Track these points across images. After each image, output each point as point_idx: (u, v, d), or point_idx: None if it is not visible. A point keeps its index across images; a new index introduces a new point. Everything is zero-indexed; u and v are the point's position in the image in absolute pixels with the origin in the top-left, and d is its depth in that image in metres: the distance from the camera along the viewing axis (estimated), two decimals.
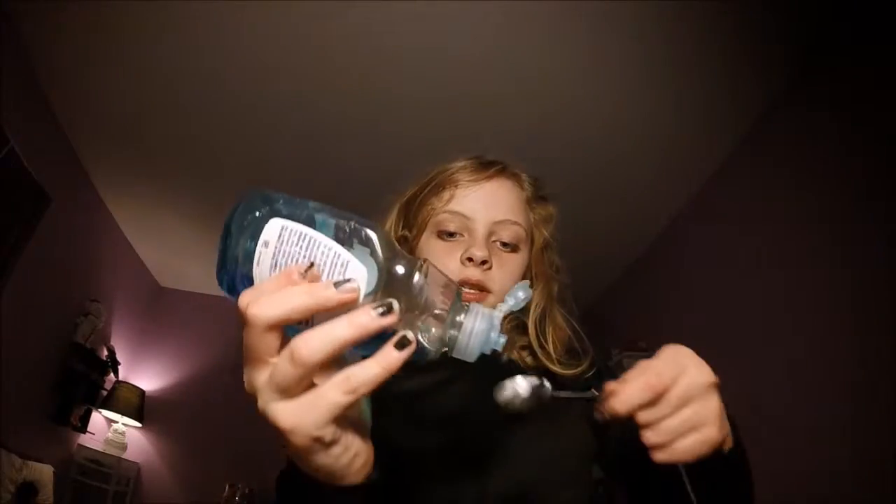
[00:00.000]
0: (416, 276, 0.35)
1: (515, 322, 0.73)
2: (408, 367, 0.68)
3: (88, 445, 3.00)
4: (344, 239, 0.35)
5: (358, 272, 0.34)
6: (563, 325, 0.71)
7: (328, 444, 0.33)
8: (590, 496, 0.61)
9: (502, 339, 0.38)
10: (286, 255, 0.34)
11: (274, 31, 1.88)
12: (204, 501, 3.15)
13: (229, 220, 0.37)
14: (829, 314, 1.54)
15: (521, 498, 0.57)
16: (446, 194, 0.71)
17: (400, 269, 0.35)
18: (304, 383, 0.32)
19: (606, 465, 0.65)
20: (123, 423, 3.21)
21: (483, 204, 0.70)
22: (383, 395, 0.66)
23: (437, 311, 0.35)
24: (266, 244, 0.35)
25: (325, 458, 0.34)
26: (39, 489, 2.31)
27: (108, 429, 3.22)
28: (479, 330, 0.37)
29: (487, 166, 0.73)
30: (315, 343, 0.30)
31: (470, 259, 0.66)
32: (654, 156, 2.23)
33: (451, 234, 0.69)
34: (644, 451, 0.40)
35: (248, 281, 0.36)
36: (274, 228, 0.35)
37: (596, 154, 2.27)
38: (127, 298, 3.41)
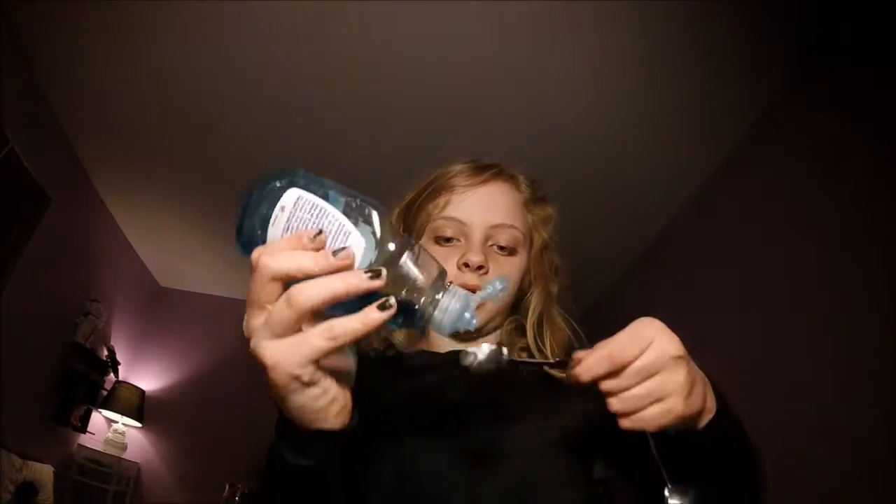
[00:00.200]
0: (406, 254, 0.39)
1: (515, 324, 0.73)
2: (410, 368, 0.69)
3: (88, 445, 3.00)
4: (350, 214, 0.39)
5: (357, 243, 0.38)
6: (563, 326, 0.71)
7: (306, 384, 0.37)
8: (590, 495, 0.61)
9: (475, 321, 0.41)
10: (299, 220, 0.39)
11: (275, 32, 1.88)
12: (204, 501, 3.15)
13: (252, 187, 0.42)
14: (830, 314, 1.54)
15: (520, 497, 0.57)
16: (442, 200, 0.71)
17: (392, 247, 0.39)
18: (294, 327, 0.36)
19: (610, 461, 0.65)
20: (123, 423, 3.21)
21: (479, 209, 0.70)
22: (386, 394, 0.67)
23: (419, 287, 0.40)
24: (283, 209, 0.40)
25: (301, 398, 0.38)
26: (39, 489, 2.31)
27: (108, 429, 3.22)
28: (453, 308, 0.40)
29: (483, 170, 0.73)
30: (310, 291, 0.35)
31: (466, 265, 0.66)
32: (653, 155, 2.23)
33: (449, 240, 0.69)
34: (637, 441, 0.41)
35: (262, 241, 0.41)
36: (291, 196, 0.40)
37: (596, 154, 2.27)
38: (127, 298, 3.41)
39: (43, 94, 2.25)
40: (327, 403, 0.39)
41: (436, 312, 0.40)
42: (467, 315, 0.41)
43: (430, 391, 0.66)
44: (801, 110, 1.80)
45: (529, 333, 0.70)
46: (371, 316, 0.36)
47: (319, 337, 0.35)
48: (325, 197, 0.40)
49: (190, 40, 1.94)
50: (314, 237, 0.37)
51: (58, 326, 2.72)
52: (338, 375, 0.40)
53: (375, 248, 0.39)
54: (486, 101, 2.08)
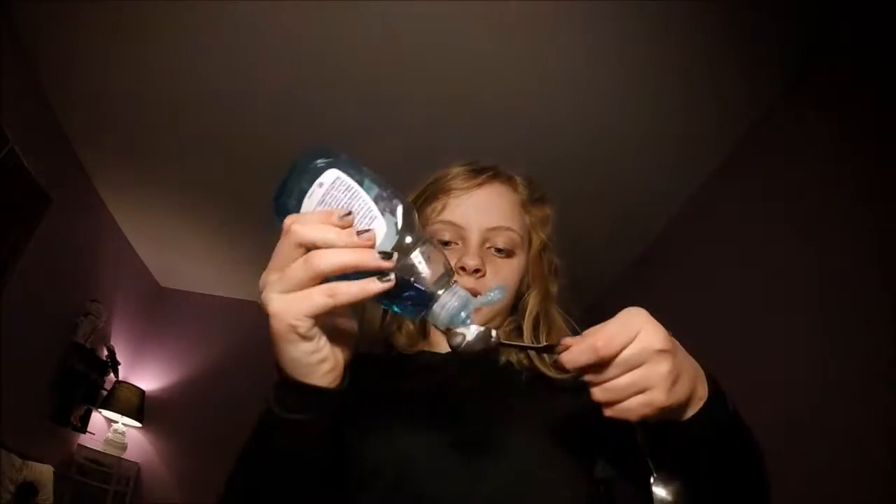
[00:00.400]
0: (419, 248, 0.43)
1: (514, 324, 0.73)
2: (410, 369, 0.69)
3: (88, 445, 3.00)
4: (379, 202, 0.43)
5: (379, 229, 0.42)
6: (562, 326, 0.71)
7: (302, 336, 0.41)
8: (590, 495, 0.61)
9: (469, 322, 0.44)
10: (333, 197, 0.43)
11: (275, 33, 1.88)
12: (204, 501, 3.15)
13: (297, 161, 0.46)
14: (830, 313, 1.54)
15: (519, 497, 0.57)
16: (440, 204, 0.71)
17: (408, 239, 0.43)
18: (304, 285, 0.40)
19: (610, 460, 0.65)
20: (123, 423, 3.21)
21: (475, 212, 0.70)
22: (387, 393, 0.67)
23: (424, 279, 0.43)
24: (321, 185, 0.44)
25: (295, 350, 0.42)
26: (39, 489, 2.31)
27: (108, 429, 3.22)
28: (451, 306, 0.43)
29: (479, 173, 0.73)
30: (327, 256, 0.39)
31: (463, 268, 0.66)
32: (653, 155, 2.24)
33: (447, 243, 0.70)
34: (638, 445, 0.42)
35: (296, 210, 0.45)
36: (330, 176, 0.44)
37: (596, 154, 2.27)
38: (127, 298, 3.41)
39: (43, 94, 2.25)
40: (318, 361, 0.43)
41: (434, 306, 0.43)
42: (463, 314, 0.43)
43: (430, 391, 0.66)
44: (801, 111, 1.80)
45: (526, 334, 0.70)
46: (370, 284, 0.39)
47: (321, 294, 0.39)
48: (360, 183, 0.44)
49: (190, 40, 1.94)
50: (343, 216, 0.41)
51: (58, 326, 2.72)
52: (334, 339, 0.44)
53: (395, 236, 0.42)
54: (485, 100, 2.08)
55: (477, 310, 0.66)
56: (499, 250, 0.70)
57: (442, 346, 0.70)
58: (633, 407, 0.40)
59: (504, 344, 0.45)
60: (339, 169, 0.44)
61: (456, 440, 0.60)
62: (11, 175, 2.07)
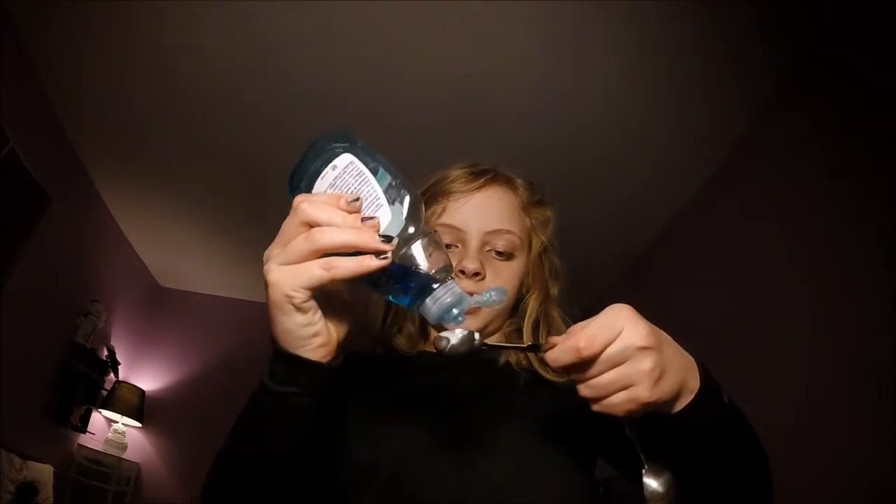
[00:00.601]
0: (421, 240, 0.44)
1: (513, 326, 0.73)
2: (410, 370, 0.70)
3: (88, 445, 3.00)
4: (389, 191, 0.44)
5: (384, 216, 0.43)
6: (562, 328, 0.71)
7: (297, 308, 0.42)
8: (588, 495, 0.61)
9: (461, 319, 0.44)
10: (344, 181, 0.44)
11: (276, 34, 1.88)
12: None
13: (315, 142, 0.47)
14: (830, 314, 1.54)
15: (515, 496, 0.57)
16: (439, 206, 0.71)
17: (411, 229, 0.44)
18: (305, 258, 0.41)
19: (610, 459, 0.65)
20: (123, 423, 3.21)
21: (475, 215, 0.70)
22: (386, 393, 0.67)
23: (421, 271, 0.43)
24: (334, 168, 0.45)
25: (289, 321, 0.43)
26: (39, 489, 2.31)
27: (108, 429, 3.22)
28: (444, 300, 0.43)
29: (479, 175, 0.73)
30: (328, 233, 0.40)
31: (462, 272, 0.66)
32: (653, 156, 2.24)
33: (447, 246, 0.69)
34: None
35: (308, 189, 0.46)
36: (344, 160, 0.45)
37: (596, 154, 2.27)
38: (127, 298, 3.41)
39: (43, 94, 2.25)
40: (311, 334, 0.44)
41: (427, 299, 0.43)
42: (455, 311, 0.44)
43: (429, 392, 0.67)
44: (801, 111, 1.80)
45: (526, 336, 0.70)
46: (367, 261, 0.40)
47: (318, 267, 0.41)
48: (374, 171, 0.45)
49: (190, 41, 1.94)
50: (351, 201, 0.42)
51: (58, 326, 2.72)
52: (330, 316, 0.46)
53: (399, 226, 0.43)
54: (485, 102, 2.08)
55: (476, 311, 0.67)
56: (499, 253, 0.70)
57: None
58: (618, 403, 0.41)
59: (487, 345, 0.46)
60: (354, 154, 0.45)
61: (454, 440, 0.60)
62: (11, 175, 2.07)
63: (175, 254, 3.48)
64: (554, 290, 0.74)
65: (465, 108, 2.12)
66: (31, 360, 2.49)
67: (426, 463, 0.59)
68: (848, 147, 1.57)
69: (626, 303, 0.43)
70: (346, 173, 0.45)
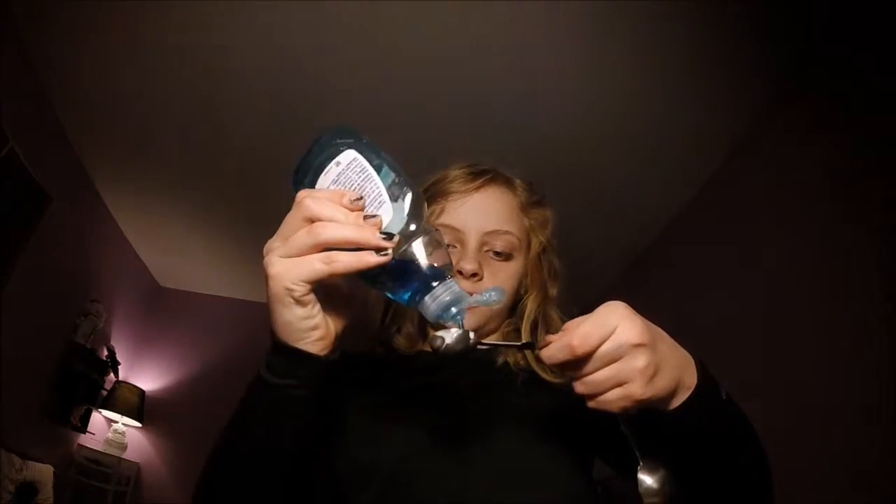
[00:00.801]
0: (422, 238, 0.44)
1: (512, 327, 0.73)
2: (408, 370, 0.70)
3: (88, 445, 3.00)
4: (392, 188, 0.44)
5: (386, 214, 0.43)
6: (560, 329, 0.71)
7: (296, 301, 0.42)
8: (587, 496, 0.61)
9: (459, 318, 0.44)
10: (347, 178, 0.45)
11: (276, 31, 1.88)
12: None
13: (320, 137, 0.48)
14: (830, 314, 1.54)
15: (513, 496, 0.57)
16: (438, 207, 0.71)
17: (412, 227, 0.44)
18: (305, 252, 0.41)
19: (608, 460, 0.66)
20: (123, 423, 3.21)
21: (473, 215, 0.70)
22: (384, 393, 0.67)
23: (421, 269, 0.43)
24: (338, 164, 0.45)
25: (289, 314, 0.43)
26: (39, 489, 2.31)
27: (108, 429, 3.22)
28: (443, 299, 0.43)
29: (477, 176, 0.73)
30: (330, 228, 0.41)
31: (460, 272, 0.66)
32: (653, 156, 2.24)
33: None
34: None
35: (311, 184, 0.47)
36: (348, 156, 0.45)
37: (595, 154, 2.27)
38: (127, 298, 3.41)
39: (43, 94, 2.25)
40: (310, 327, 0.44)
41: (426, 297, 0.44)
42: (454, 310, 0.44)
43: (428, 391, 0.67)
44: (801, 111, 1.80)
45: (525, 337, 0.70)
46: (367, 256, 0.41)
47: (319, 260, 0.41)
48: (378, 168, 0.45)
49: (190, 40, 1.94)
50: (355, 200, 0.42)
51: (58, 326, 2.72)
52: (329, 310, 0.46)
53: (401, 223, 0.43)
54: (484, 102, 2.08)
55: (474, 310, 0.66)
56: (497, 253, 0.70)
57: None
58: (612, 399, 0.41)
59: (483, 343, 0.46)
60: (358, 151, 0.45)
61: (453, 439, 0.60)
62: (11, 175, 2.07)
63: (175, 254, 3.48)
64: (552, 291, 0.74)
65: (465, 108, 2.12)
66: (31, 360, 2.49)
67: (425, 462, 0.59)
68: (847, 147, 1.57)
69: (626, 303, 0.43)
70: (350, 170, 0.45)
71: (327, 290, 0.46)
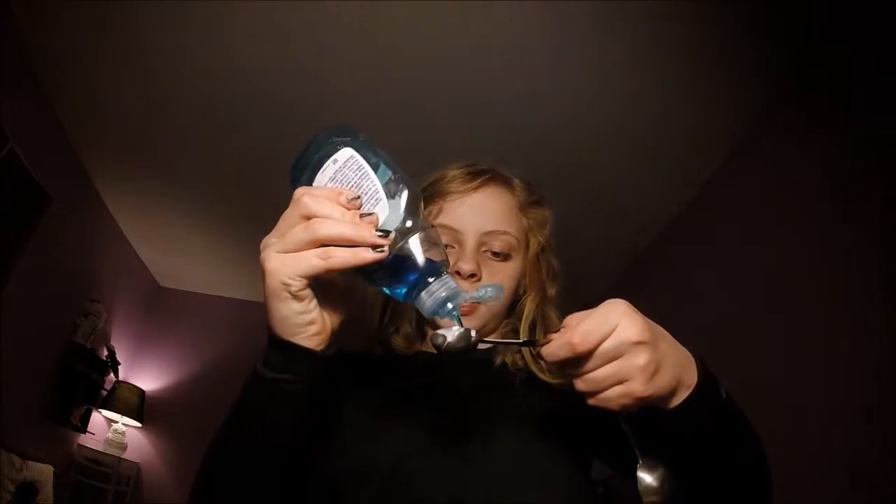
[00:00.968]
0: (418, 234, 0.44)
1: (510, 327, 0.73)
2: (407, 370, 0.70)
3: (88, 445, 3.00)
4: (389, 186, 0.44)
5: (382, 211, 0.44)
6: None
7: (293, 296, 0.43)
8: (586, 496, 0.61)
9: (455, 314, 0.45)
10: (344, 175, 0.45)
11: (275, 31, 1.88)
12: None
13: (317, 135, 0.48)
14: (830, 314, 1.54)
15: (511, 495, 0.57)
16: (436, 207, 0.71)
17: (409, 224, 0.44)
18: (302, 248, 0.42)
19: (607, 460, 0.66)
20: (123, 423, 3.21)
21: (472, 215, 0.70)
22: (382, 393, 0.67)
23: (418, 265, 0.44)
24: (335, 161, 0.46)
25: (285, 308, 0.44)
26: (39, 489, 2.31)
27: (108, 429, 3.22)
28: (438, 295, 0.44)
29: (476, 176, 0.72)
30: (327, 225, 0.41)
31: (458, 273, 0.66)
32: (653, 156, 2.24)
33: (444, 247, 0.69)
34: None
35: (308, 182, 0.47)
36: (345, 154, 0.46)
37: (595, 154, 2.27)
38: (127, 298, 3.41)
39: (43, 94, 2.25)
40: (306, 322, 0.45)
41: (423, 293, 0.44)
42: (450, 306, 0.44)
43: (426, 391, 0.67)
44: (801, 111, 1.80)
45: (523, 337, 0.70)
46: (363, 252, 0.41)
47: (316, 256, 0.41)
48: (375, 166, 0.45)
49: (190, 40, 1.94)
50: (352, 199, 0.43)
51: (58, 326, 2.72)
52: (326, 305, 0.47)
53: (397, 220, 0.44)
54: (484, 102, 2.08)
55: (474, 310, 0.67)
56: (495, 254, 0.70)
57: None
58: (613, 397, 0.41)
59: (484, 341, 0.46)
60: (355, 149, 0.46)
61: (452, 439, 0.60)
62: (11, 175, 2.07)
63: (175, 254, 3.48)
64: (551, 291, 0.74)
65: (464, 108, 2.12)
66: (31, 360, 2.49)
67: (424, 461, 0.59)
68: (847, 147, 1.57)
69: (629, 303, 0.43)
70: (347, 167, 0.45)
71: (324, 286, 0.46)
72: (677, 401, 0.44)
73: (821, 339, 1.55)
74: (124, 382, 3.24)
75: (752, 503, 0.52)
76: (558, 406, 0.63)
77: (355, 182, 0.45)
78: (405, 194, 0.45)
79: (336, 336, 0.49)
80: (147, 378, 3.51)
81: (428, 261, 0.44)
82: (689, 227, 2.44)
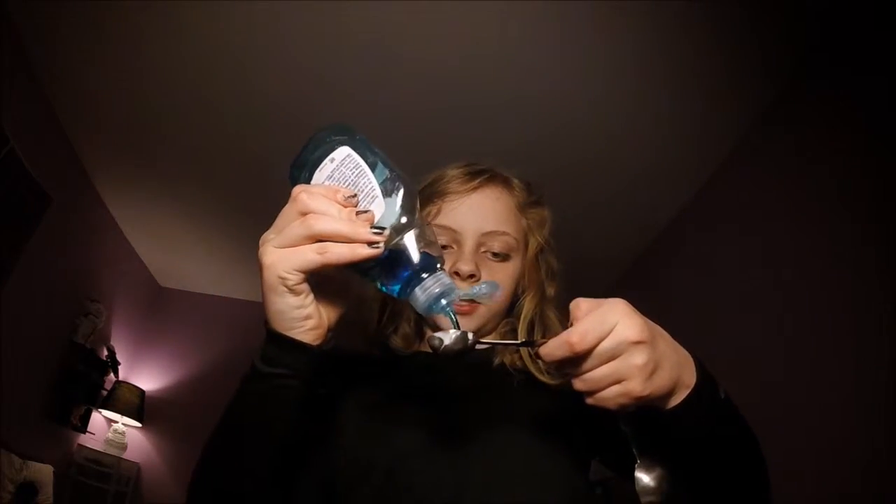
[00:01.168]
0: (413, 231, 0.45)
1: (508, 327, 0.73)
2: (406, 369, 0.70)
3: (88, 445, 3.00)
4: (385, 184, 0.45)
5: (378, 208, 0.44)
6: (558, 330, 0.71)
7: (290, 289, 0.44)
8: (584, 496, 0.61)
9: (449, 310, 0.45)
10: (341, 173, 0.46)
11: (275, 31, 1.88)
12: None
13: (316, 134, 0.49)
14: (828, 314, 1.54)
15: (509, 497, 0.57)
16: (435, 207, 0.71)
17: (403, 220, 0.45)
18: (298, 243, 0.42)
19: (605, 460, 0.65)
20: (123, 423, 3.21)
21: (471, 216, 0.70)
22: (381, 392, 0.67)
23: (412, 261, 0.44)
24: (332, 160, 0.47)
25: (282, 303, 0.44)
26: (39, 489, 2.31)
27: (108, 429, 3.22)
28: (432, 291, 0.44)
29: (475, 176, 0.72)
30: (323, 221, 0.42)
31: (457, 273, 0.66)
32: (653, 156, 2.23)
33: (443, 247, 0.69)
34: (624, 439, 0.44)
35: (307, 179, 0.48)
36: (342, 152, 0.47)
37: (596, 154, 2.27)
38: (127, 298, 3.41)
39: (43, 94, 2.25)
40: (303, 316, 0.46)
41: (417, 289, 0.44)
42: (443, 301, 0.45)
43: (425, 391, 0.67)
44: (800, 112, 1.80)
45: (521, 337, 0.69)
46: (359, 248, 0.42)
47: (312, 251, 0.42)
48: (372, 165, 0.46)
49: (190, 40, 1.94)
50: (348, 197, 0.44)
51: (58, 326, 2.72)
52: (322, 300, 0.47)
53: (393, 217, 0.44)
54: (486, 100, 2.08)
55: (474, 310, 0.67)
56: (494, 254, 0.70)
57: None
58: (611, 396, 0.41)
59: (481, 342, 0.46)
60: (352, 147, 0.47)
61: (450, 439, 0.60)
62: (11, 175, 2.07)
63: (175, 254, 3.48)
64: (550, 291, 0.74)
65: (464, 108, 2.12)
66: (31, 360, 2.49)
67: (422, 460, 0.59)
68: (847, 147, 1.57)
69: (627, 301, 0.43)
70: (344, 165, 0.46)
71: (320, 282, 0.46)
72: (676, 401, 0.44)
73: (821, 338, 1.55)
74: (124, 382, 3.24)
75: (750, 503, 0.52)
76: (557, 406, 0.63)
77: (352, 180, 0.45)
78: (401, 192, 0.45)
79: (333, 332, 0.49)
80: (147, 378, 3.51)
81: (422, 257, 0.44)
82: (689, 227, 2.43)
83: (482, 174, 0.73)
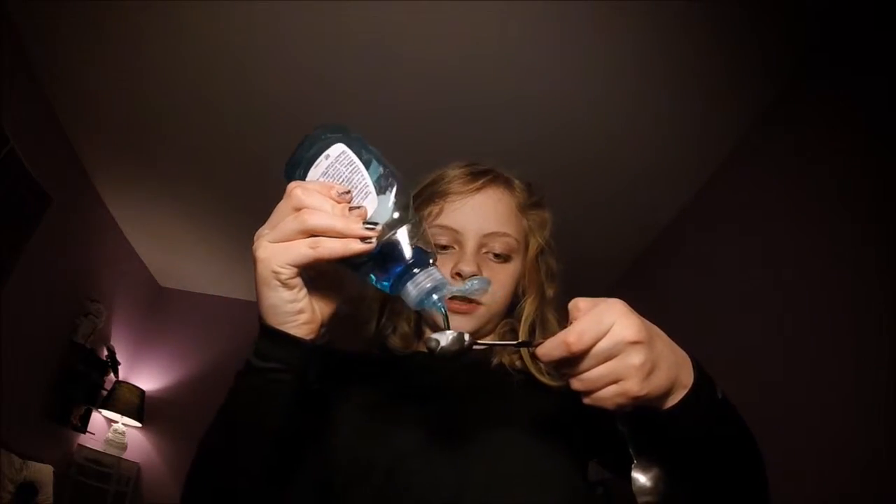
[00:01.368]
0: (406, 227, 0.45)
1: (508, 327, 0.73)
2: (404, 369, 0.70)
3: (88, 445, 3.00)
4: (379, 181, 0.46)
5: (372, 204, 0.45)
6: (557, 331, 0.71)
7: (283, 283, 0.44)
8: (584, 496, 0.61)
9: (440, 305, 0.45)
10: (336, 170, 0.47)
11: (274, 31, 1.88)
12: None
13: (313, 132, 0.50)
14: (828, 314, 1.54)
15: (508, 497, 0.57)
16: (436, 207, 0.71)
17: (396, 215, 0.45)
18: (292, 238, 0.43)
19: (604, 461, 0.65)
20: (123, 423, 3.21)
21: (473, 217, 0.69)
22: (380, 392, 0.67)
23: (404, 257, 0.45)
24: (327, 157, 0.47)
25: (275, 297, 0.45)
26: (39, 489, 2.31)
27: (108, 429, 3.22)
28: (423, 286, 0.45)
29: (477, 177, 0.72)
30: (317, 217, 0.43)
31: (459, 274, 0.66)
32: (653, 156, 2.23)
33: (444, 248, 0.69)
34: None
35: (302, 176, 0.48)
36: (337, 149, 0.47)
37: (596, 154, 2.27)
38: (127, 298, 3.41)
39: (43, 94, 2.25)
40: (296, 310, 0.46)
41: (409, 284, 0.45)
42: (435, 297, 0.45)
43: (424, 391, 0.67)
44: (800, 112, 1.80)
45: (522, 338, 0.69)
46: (352, 243, 0.42)
47: (305, 245, 0.43)
48: (367, 162, 0.47)
49: (190, 40, 1.94)
50: (342, 193, 0.44)
51: (58, 326, 2.72)
52: (316, 295, 0.48)
53: (386, 213, 0.45)
54: (486, 100, 2.08)
55: (473, 310, 0.67)
56: (496, 255, 0.70)
57: None
58: (608, 396, 0.41)
59: (478, 343, 0.46)
60: (347, 144, 0.47)
61: (449, 439, 0.60)
62: (11, 175, 2.07)
63: (175, 254, 3.48)
64: (550, 292, 0.74)
65: (465, 108, 2.12)
66: (31, 360, 2.49)
67: (422, 461, 0.58)
68: (847, 147, 1.57)
69: (627, 301, 0.43)
70: (338, 162, 0.47)
71: (314, 276, 0.47)
72: (673, 401, 0.44)
73: (821, 338, 1.55)
74: (124, 382, 3.24)
75: (748, 503, 0.52)
76: (557, 407, 0.63)
77: (346, 176, 0.46)
78: (394, 189, 0.46)
79: (326, 327, 0.49)
80: (147, 378, 3.51)
81: (414, 253, 0.45)
82: (690, 227, 2.43)
83: (484, 175, 0.73)
